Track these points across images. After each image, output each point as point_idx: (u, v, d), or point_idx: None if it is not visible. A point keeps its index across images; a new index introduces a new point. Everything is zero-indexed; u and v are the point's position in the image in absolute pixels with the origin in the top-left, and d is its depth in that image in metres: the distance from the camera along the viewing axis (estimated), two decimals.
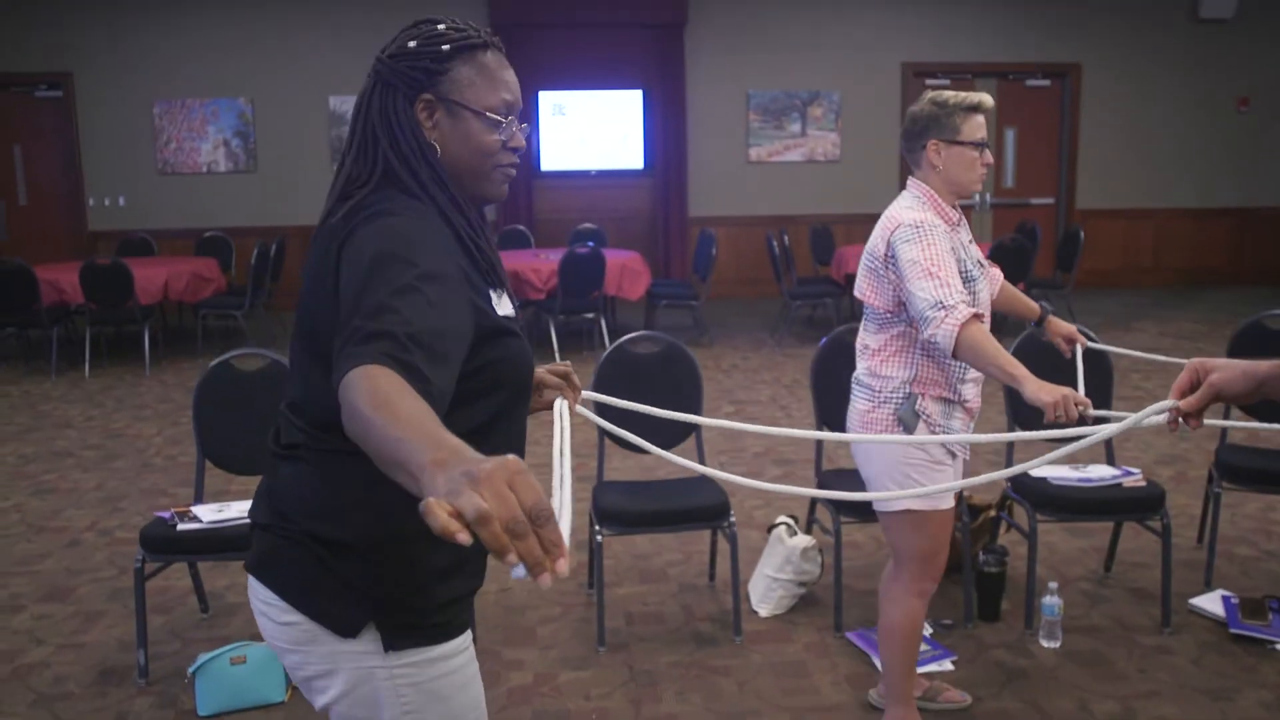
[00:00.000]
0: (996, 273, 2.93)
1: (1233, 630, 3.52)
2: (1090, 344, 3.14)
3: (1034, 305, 3.12)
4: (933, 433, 2.66)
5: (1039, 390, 2.32)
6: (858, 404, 2.78)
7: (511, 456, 0.94)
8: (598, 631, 3.47)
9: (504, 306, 1.56)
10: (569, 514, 1.08)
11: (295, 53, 10.59)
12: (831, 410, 3.88)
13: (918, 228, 2.59)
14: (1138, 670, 3.31)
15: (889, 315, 2.69)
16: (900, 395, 2.68)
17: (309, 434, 1.48)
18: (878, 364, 2.71)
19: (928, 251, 2.55)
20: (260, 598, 1.51)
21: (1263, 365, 1.49)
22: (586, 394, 1.88)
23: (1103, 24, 11.08)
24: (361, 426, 1.11)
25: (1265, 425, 1.81)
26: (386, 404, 1.10)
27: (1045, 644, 3.44)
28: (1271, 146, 11.41)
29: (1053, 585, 3.45)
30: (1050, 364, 3.10)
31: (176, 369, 8.13)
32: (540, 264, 8.11)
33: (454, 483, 0.93)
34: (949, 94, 2.70)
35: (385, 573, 1.45)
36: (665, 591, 3.91)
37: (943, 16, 11.00)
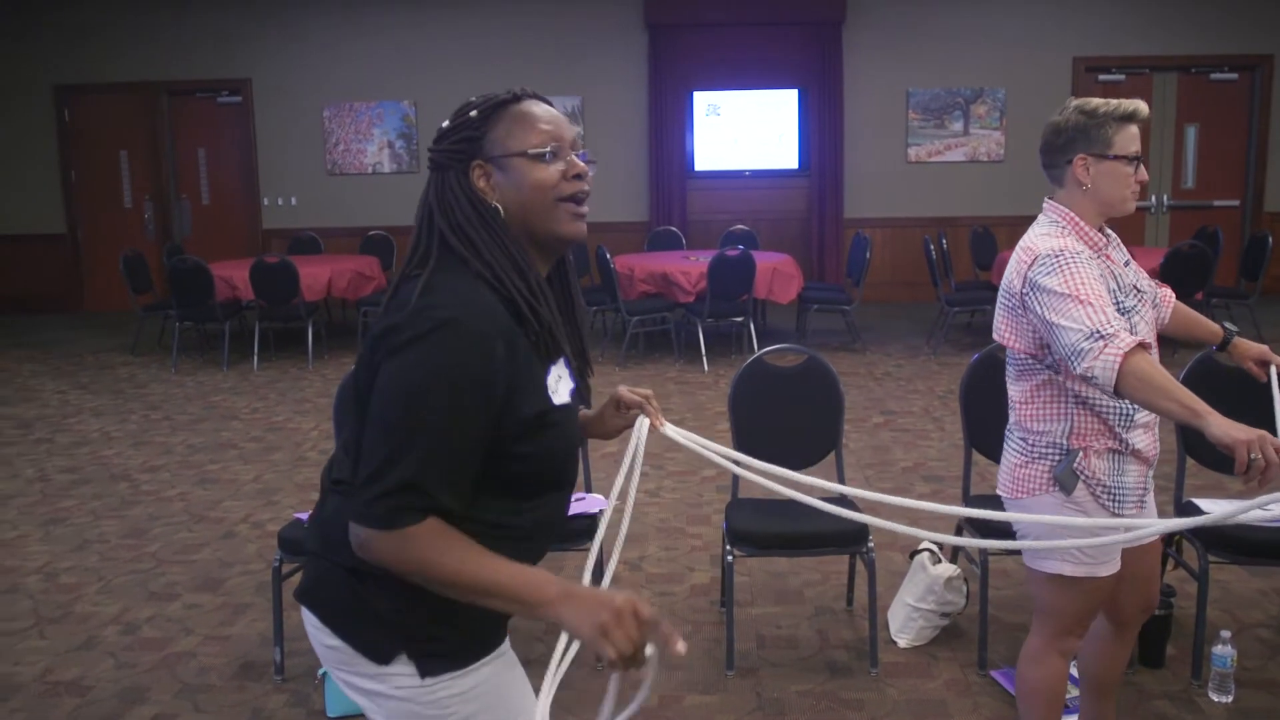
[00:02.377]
0: (1167, 293, 2.60)
1: None
2: None
3: (1215, 327, 2.72)
4: (1094, 494, 2.37)
5: (1228, 429, 1.97)
6: (1009, 456, 2.50)
7: (626, 596, 1.34)
8: (726, 654, 3.37)
9: (561, 385, 1.59)
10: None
11: (455, 56, 10.83)
12: (982, 431, 3.67)
13: (1058, 256, 2.30)
14: None
15: (1029, 360, 2.42)
16: (1057, 452, 2.39)
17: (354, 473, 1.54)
18: (1027, 417, 2.44)
19: (1074, 279, 2.26)
20: (310, 621, 1.63)
21: None
22: (669, 430, 1.90)
23: None
24: (445, 585, 1.43)
25: None
26: (458, 563, 1.41)
27: (1215, 698, 3.15)
28: None
29: (1225, 634, 3.16)
30: (1234, 398, 2.78)
31: (338, 364, 8.41)
32: (690, 266, 8.05)
33: (596, 620, 1.33)
34: (1098, 101, 2.42)
35: (414, 606, 1.51)
36: (800, 614, 3.78)
37: (1117, 5, 10.40)
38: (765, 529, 3.41)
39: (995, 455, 3.81)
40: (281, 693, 3.28)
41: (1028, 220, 10.15)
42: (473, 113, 1.58)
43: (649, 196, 10.83)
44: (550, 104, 1.63)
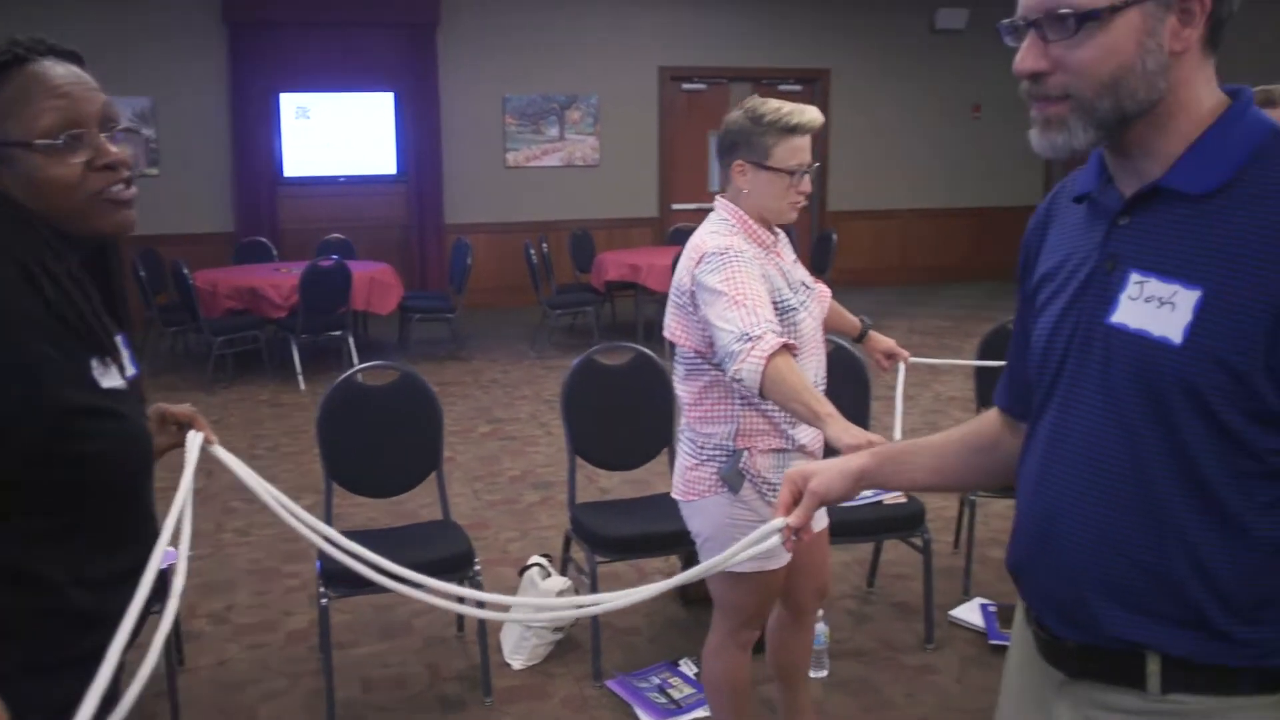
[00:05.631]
0: (824, 291, 2.63)
1: (992, 641, 3.48)
2: (914, 359, 2.98)
3: (855, 320, 2.89)
4: (761, 493, 2.38)
5: (840, 433, 2.02)
6: (681, 458, 2.48)
7: None
8: (327, 707, 3.04)
9: (110, 379, 1.25)
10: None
11: None
12: (586, 438, 3.61)
13: (723, 254, 2.29)
14: (905, 695, 3.20)
15: (698, 359, 2.39)
16: (724, 453, 2.38)
17: None
18: (696, 419, 2.42)
19: (734, 278, 2.24)
20: None
21: (854, 461, 1.47)
22: (219, 452, 1.62)
23: (850, 32, 11.39)
24: None
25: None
26: None
27: (813, 674, 3.27)
28: (1002, 150, 12.05)
29: (819, 613, 3.29)
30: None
31: None
32: (280, 279, 7.49)
33: None
34: (768, 107, 2.36)
35: None
36: (409, 648, 3.52)
37: (699, 21, 11.01)
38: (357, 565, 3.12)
39: (598, 460, 3.79)
40: None
41: (624, 223, 10.49)
42: None
43: (234, 205, 10.03)
44: (77, 61, 1.24)
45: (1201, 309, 1.12)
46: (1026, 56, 1.18)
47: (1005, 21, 1.22)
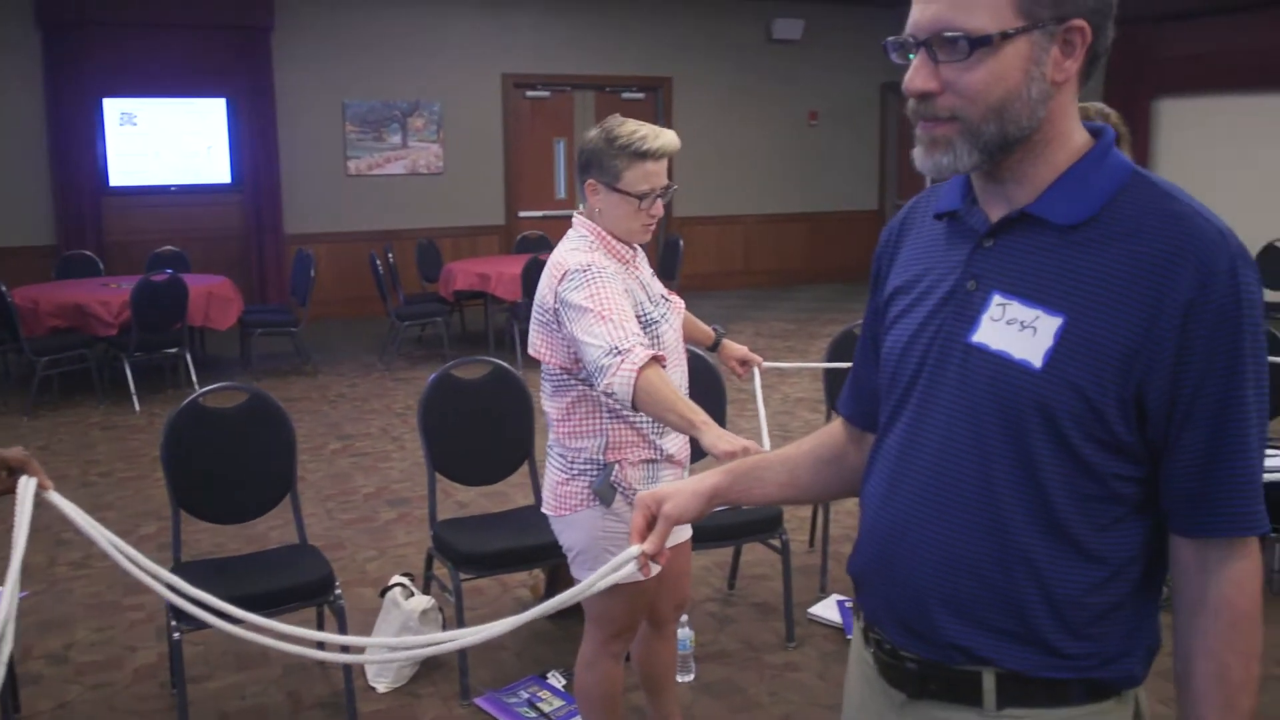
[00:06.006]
0: (679, 303, 2.66)
1: (849, 636, 3.59)
2: (768, 364, 3.05)
3: (708, 330, 2.95)
4: (632, 504, 2.33)
5: (717, 440, 2.05)
6: (551, 473, 2.48)
7: None
8: None
9: None
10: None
11: None
12: (445, 453, 3.56)
13: (585, 271, 2.31)
14: (769, 694, 3.27)
15: (564, 375, 2.40)
16: (595, 467, 2.39)
17: None
18: (565, 434, 2.42)
19: (599, 294, 2.27)
20: None
21: (706, 481, 1.48)
22: (54, 498, 1.61)
23: (689, 41, 11.58)
24: None
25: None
26: None
27: (680, 679, 3.31)
28: (837, 157, 12.47)
29: (683, 619, 3.34)
30: None
31: None
32: (109, 295, 7.11)
33: None
34: (626, 129, 2.37)
35: None
36: (268, 677, 3.40)
37: (542, 29, 10.99)
38: (220, 592, 2.99)
39: (458, 476, 3.74)
40: None
41: (470, 231, 10.39)
42: None
43: (55, 217, 9.48)
44: None
45: (1063, 336, 1.16)
46: (917, 76, 1.19)
47: (893, 39, 1.23)
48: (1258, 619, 1.18)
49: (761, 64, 11.97)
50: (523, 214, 11.14)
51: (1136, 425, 1.16)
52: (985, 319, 1.22)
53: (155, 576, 1.57)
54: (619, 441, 2.40)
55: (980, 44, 1.15)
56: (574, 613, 3.48)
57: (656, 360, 2.21)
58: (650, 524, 1.45)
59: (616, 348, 2.19)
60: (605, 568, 1.48)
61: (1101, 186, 1.20)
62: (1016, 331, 1.19)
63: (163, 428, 3.19)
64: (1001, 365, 1.20)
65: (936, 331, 1.26)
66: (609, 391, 2.20)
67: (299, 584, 3.03)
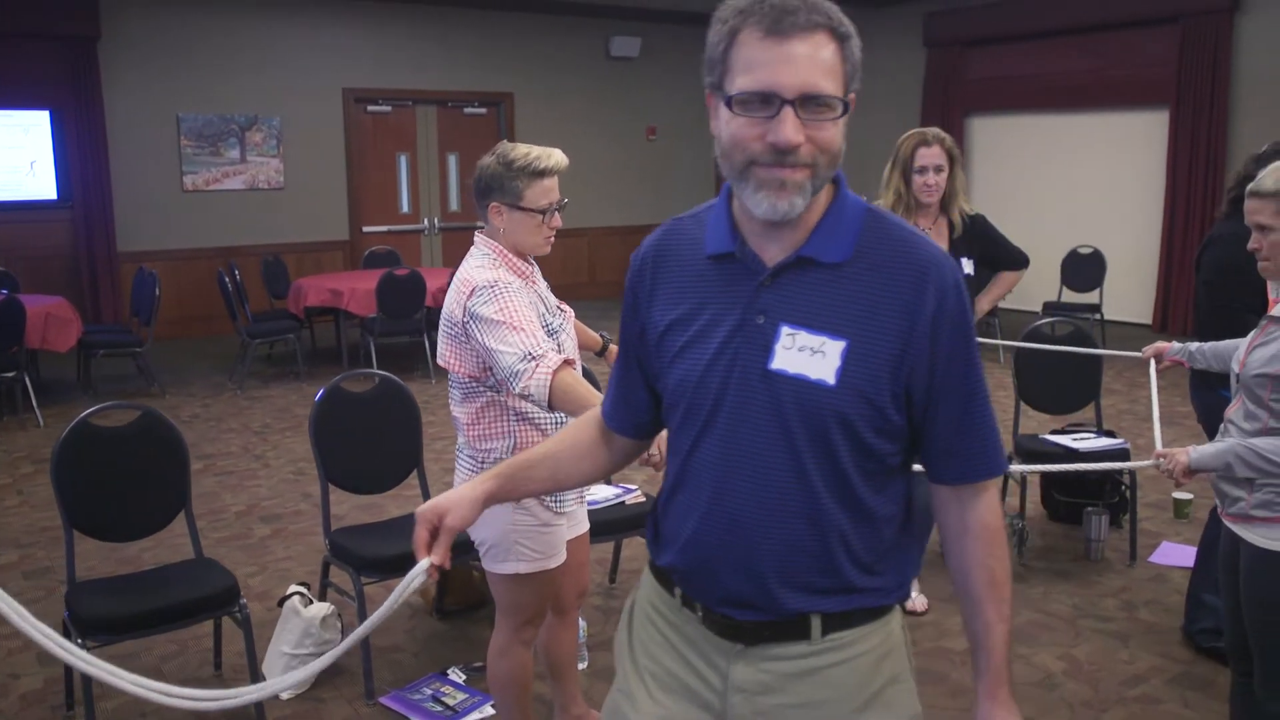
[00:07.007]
0: (570, 312, 2.86)
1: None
2: None
3: (595, 336, 3.17)
4: (539, 499, 2.56)
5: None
6: (461, 474, 2.64)
7: None
8: None
9: None
10: None
11: None
12: (343, 468, 3.65)
13: (493, 287, 2.50)
14: None
15: (473, 383, 2.57)
16: None
17: None
18: (475, 437, 2.59)
19: (508, 308, 2.46)
20: None
21: (479, 487, 1.63)
22: None
23: (529, 57, 11.76)
24: None
25: None
26: None
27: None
28: (675, 170, 12.88)
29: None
30: None
31: None
32: None
33: None
34: (520, 152, 2.58)
35: None
36: None
37: (382, 43, 10.96)
38: (117, 611, 3.02)
39: (350, 486, 3.82)
40: None
41: (315, 246, 10.42)
42: None
43: None
44: None
45: (848, 356, 1.42)
46: (793, 130, 1.35)
47: (754, 90, 1.35)
48: (1004, 531, 1.55)
49: (601, 80, 12.27)
50: (367, 229, 11.09)
51: (905, 410, 1.46)
52: (779, 348, 1.44)
53: (61, 646, 1.48)
54: (526, 442, 2.58)
55: (845, 107, 1.38)
56: (467, 612, 3.65)
57: (568, 364, 2.42)
58: (434, 535, 1.59)
59: (530, 354, 2.39)
60: (401, 584, 1.58)
61: (851, 225, 1.46)
62: (808, 356, 1.43)
63: (54, 446, 3.18)
64: (802, 386, 1.43)
65: (732, 360, 1.46)
66: (526, 394, 2.39)
67: (204, 596, 3.09)
